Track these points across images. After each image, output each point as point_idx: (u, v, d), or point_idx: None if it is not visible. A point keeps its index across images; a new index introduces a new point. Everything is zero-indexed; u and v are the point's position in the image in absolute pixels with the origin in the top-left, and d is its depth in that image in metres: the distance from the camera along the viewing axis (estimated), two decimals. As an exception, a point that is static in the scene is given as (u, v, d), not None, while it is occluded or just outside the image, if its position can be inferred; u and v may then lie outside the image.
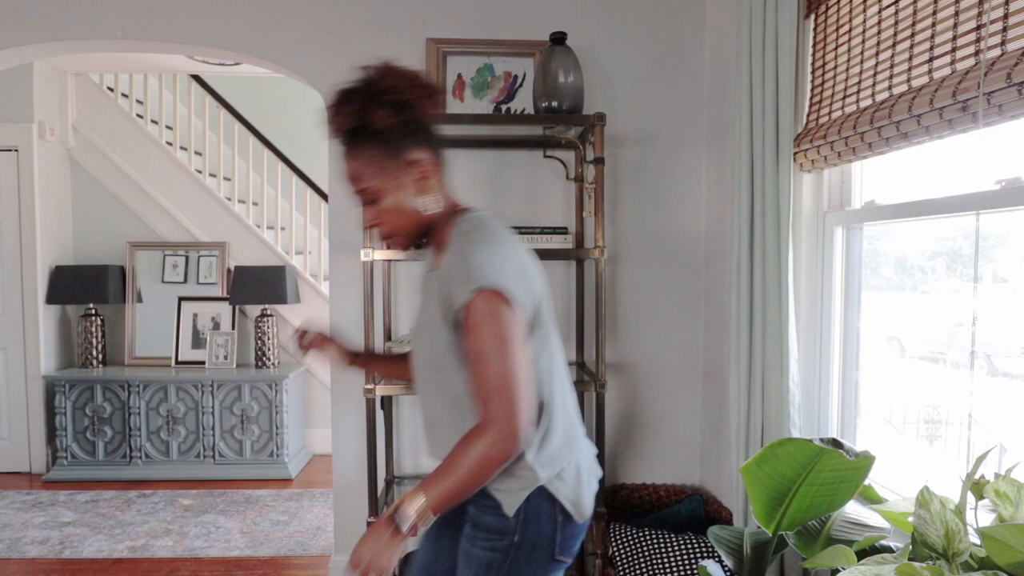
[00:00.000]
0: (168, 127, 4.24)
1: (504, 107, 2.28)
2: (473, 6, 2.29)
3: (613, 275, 2.36)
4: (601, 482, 1.90)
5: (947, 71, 1.23)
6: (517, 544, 1.11)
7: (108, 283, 3.77)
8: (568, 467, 1.15)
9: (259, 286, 3.76)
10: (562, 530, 1.14)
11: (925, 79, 1.29)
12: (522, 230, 2.07)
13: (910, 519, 1.08)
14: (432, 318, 1.13)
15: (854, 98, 1.52)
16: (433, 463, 2.36)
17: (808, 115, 1.73)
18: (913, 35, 1.33)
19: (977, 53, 1.16)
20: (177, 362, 3.88)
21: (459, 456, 1.02)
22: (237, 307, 3.92)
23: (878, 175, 1.68)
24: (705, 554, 1.91)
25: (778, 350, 1.69)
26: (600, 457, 1.94)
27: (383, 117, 1.08)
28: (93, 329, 3.80)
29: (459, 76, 2.26)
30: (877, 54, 1.44)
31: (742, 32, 1.80)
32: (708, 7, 2.33)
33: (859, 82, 1.51)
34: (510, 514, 1.10)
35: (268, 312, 3.86)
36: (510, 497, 1.10)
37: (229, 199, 4.07)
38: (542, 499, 1.11)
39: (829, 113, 1.63)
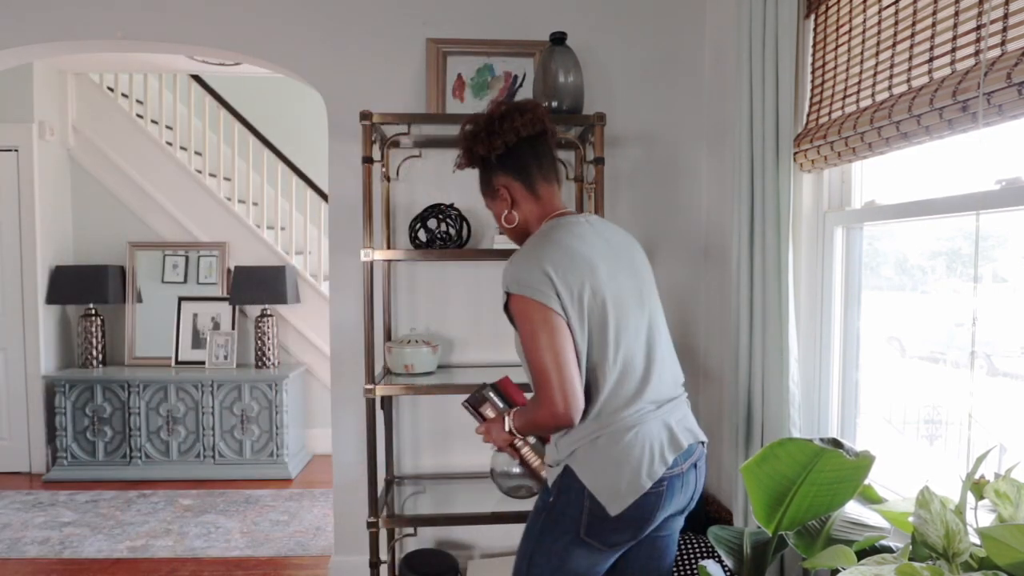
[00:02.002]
0: (168, 127, 4.23)
1: (504, 107, 2.27)
2: (473, 6, 2.29)
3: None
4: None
5: (947, 71, 1.23)
6: (549, 507, 1.29)
7: (108, 283, 3.77)
8: (590, 453, 1.24)
9: (259, 286, 3.76)
10: (588, 515, 1.24)
11: (925, 79, 1.29)
12: (522, 230, 2.07)
13: (910, 519, 1.08)
14: None
15: (854, 98, 1.52)
16: (434, 462, 2.37)
17: (808, 115, 1.73)
18: (913, 35, 1.33)
19: (977, 53, 1.16)
20: (177, 362, 3.88)
21: (528, 408, 1.31)
22: (237, 307, 3.92)
23: (878, 175, 1.68)
24: (705, 554, 1.91)
25: (778, 350, 1.69)
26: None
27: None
28: (93, 329, 3.80)
29: (459, 76, 2.26)
30: (877, 54, 1.44)
31: (742, 32, 1.80)
32: (708, 7, 2.33)
33: (859, 82, 1.51)
34: (549, 483, 1.32)
35: (268, 312, 3.87)
36: (552, 470, 1.32)
37: (229, 199, 4.07)
38: (572, 479, 1.25)
39: (829, 113, 1.63)
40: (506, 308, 1.29)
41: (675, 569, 1.89)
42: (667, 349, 1.37)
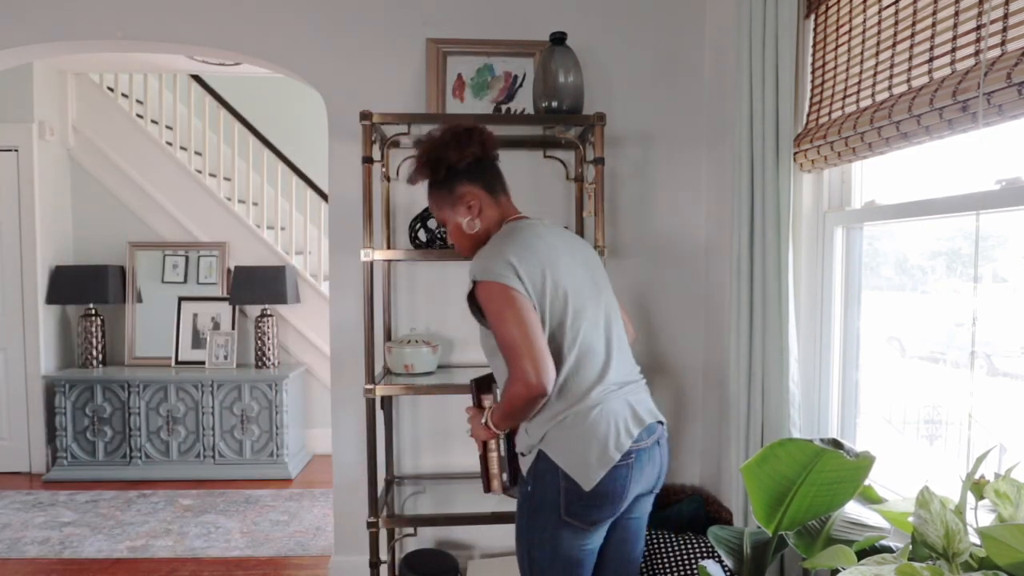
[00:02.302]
0: (168, 127, 4.23)
1: (504, 107, 2.28)
2: (473, 6, 2.29)
3: (613, 275, 2.35)
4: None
5: (947, 71, 1.23)
6: (529, 496, 1.36)
7: (108, 283, 3.77)
8: (559, 434, 1.32)
9: (259, 286, 3.75)
10: (566, 495, 1.30)
11: (925, 79, 1.29)
12: (522, 230, 2.07)
13: (910, 519, 1.08)
14: None
15: (854, 98, 1.52)
16: (434, 462, 2.37)
17: (808, 115, 1.73)
18: (913, 35, 1.33)
19: (977, 53, 1.16)
20: (177, 362, 3.88)
21: (503, 392, 1.35)
22: (237, 307, 3.92)
23: (878, 175, 1.68)
24: (705, 554, 1.91)
25: (778, 350, 1.69)
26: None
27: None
28: (93, 329, 3.80)
29: (459, 76, 2.26)
30: (877, 54, 1.44)
31: (742, 32, 1.80)
32: (708, 7, 2.33)
33: (859, 82, 1.51)
34: (524, 471, 1.38)
35: (268, 312, 3.86)
36: (526, 459, 1.38)
37: (229, 199, 4.07)
38: (546, 462, 1.32)
39: (829, 113, 1.63)
40: (471, 298, 1.38)
41: (675, 569, 1.89)
42: (623, 340, 1.47)
